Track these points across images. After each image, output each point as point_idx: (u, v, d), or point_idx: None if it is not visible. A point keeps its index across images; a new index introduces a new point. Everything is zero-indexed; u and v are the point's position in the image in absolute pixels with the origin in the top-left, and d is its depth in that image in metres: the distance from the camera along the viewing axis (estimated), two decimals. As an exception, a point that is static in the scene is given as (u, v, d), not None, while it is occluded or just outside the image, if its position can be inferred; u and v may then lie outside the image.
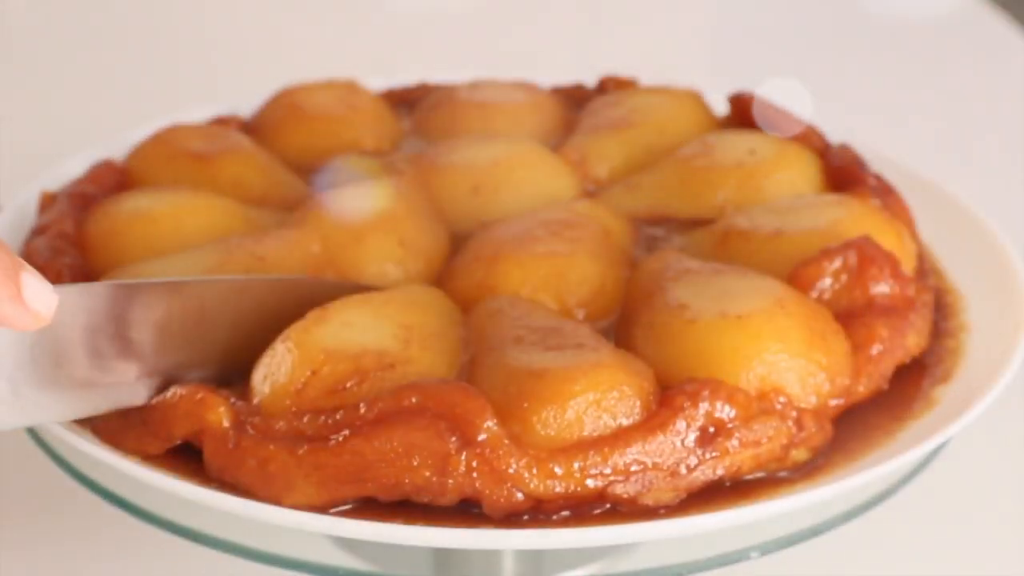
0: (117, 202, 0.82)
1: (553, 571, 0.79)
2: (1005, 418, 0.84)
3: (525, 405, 0.66)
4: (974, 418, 0.72)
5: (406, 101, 1.00)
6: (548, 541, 0.66)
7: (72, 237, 0.79)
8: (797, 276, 0.76)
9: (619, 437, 0.66)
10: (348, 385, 0.68)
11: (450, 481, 0.65)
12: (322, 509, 0.66)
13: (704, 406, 0.67)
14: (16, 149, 0.89)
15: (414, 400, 0.65)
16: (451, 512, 0.66)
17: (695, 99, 0.95)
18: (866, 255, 0.76)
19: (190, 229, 0.80)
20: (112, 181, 0.86)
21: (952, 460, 0.79)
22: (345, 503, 0.66)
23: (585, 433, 0.66)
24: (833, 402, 0.71)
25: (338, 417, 0.66)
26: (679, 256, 0.78)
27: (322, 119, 0.93)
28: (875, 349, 0.73)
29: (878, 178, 0.86)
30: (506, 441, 0.65)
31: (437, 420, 0.65)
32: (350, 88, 0.96)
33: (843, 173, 0.86)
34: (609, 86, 0.99)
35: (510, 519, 0.66)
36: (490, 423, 0.65)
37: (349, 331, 0.70)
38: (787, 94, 0.94)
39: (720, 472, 0.67)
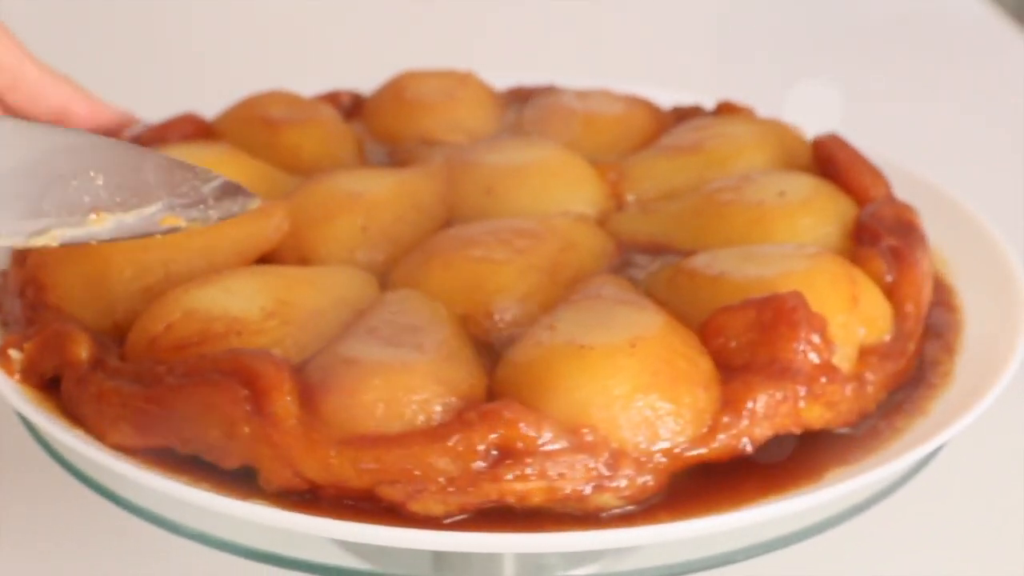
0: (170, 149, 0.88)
1: (553, 570, 0.79)
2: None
3: (324, 391, 0.68)
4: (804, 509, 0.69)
5: (525, 99, 1.01)
6: (547, 544, 0.67)
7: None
8: (707, 323, 0.73)
9: (396, 440, 0.66)
10: (191, 344, 0.71)
11: (234, 445, 0.68)
12: (137, 452, 0.70)
13: (496, 427, 0.66)
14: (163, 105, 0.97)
15: (226, 364, 0.68)
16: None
17: (779, 134, 0.91)
18: (783, 313, 0.71)
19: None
20: (180, 133, 0.92)
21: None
22: (155, 449, 0.70)
23: (369, 429, 0.67)
24: (670, 453, 0.68)
25: (161, 368, 0.70)
26: (608, 283, 0.77)
27: (413, 105, 0.96)
28: (745, 410, 0.69)
29: (901, 246, 0.80)
30: (293, 420, 0.67)
31: (240, 387, 0.68)
32: (462, 80, 0.99)
33: (866, 230, 0.81)
34: (723, 111, 0.97)
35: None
36: (286, 399, 0.67)
37: (223, 296, 0.74)
38: (816, 97, 0.90)
39: (504, 497, 0.66)
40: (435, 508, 0.66)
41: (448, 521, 0.67)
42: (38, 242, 0.66)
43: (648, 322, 0.71)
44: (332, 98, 1.00)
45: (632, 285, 0.78)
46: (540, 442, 0.66)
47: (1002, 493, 0.91)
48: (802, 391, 0.71)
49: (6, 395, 0.72)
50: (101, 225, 0.67)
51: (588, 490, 0.67)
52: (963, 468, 0.88)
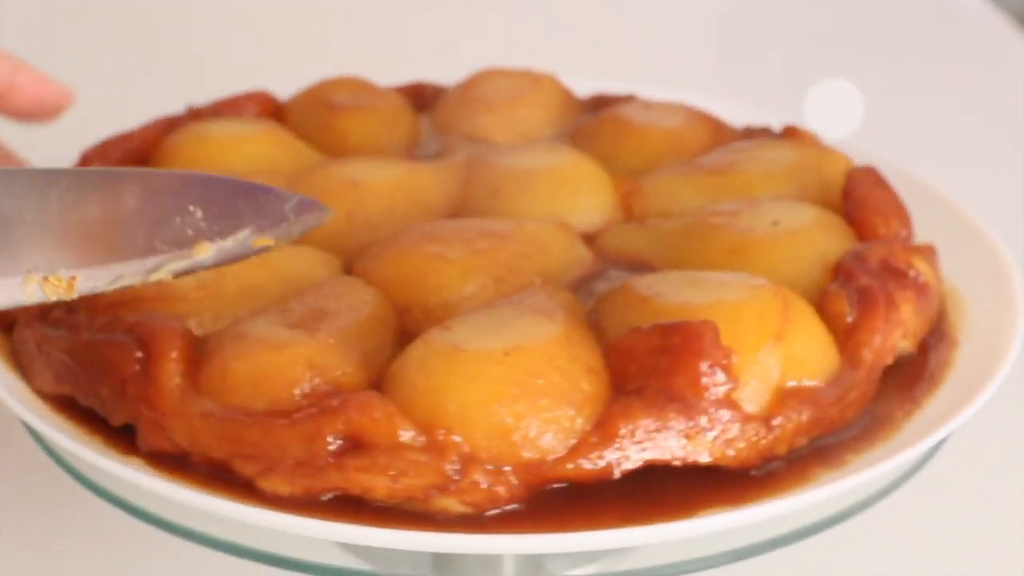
0: (202, 124, 0.92)
1: (553, 570, 0.79)
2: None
3: (205, 362, 0.70)
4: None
5: (604, 107, 1.00)
6: (547, 545, 0.67)
7: (150, 141, 0.91)
8: (615, 343, 0.71)
9: (253, 416, 0.68)
10: (123, 304, 0.75)
11: (121, 403, 0.71)
12: (53, 398, 0.74)
13: (349, 417, 0.67)
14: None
15: (131, 326, 0.72)
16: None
17: (818, 163, 0.87)
18: (687, 341, 0.69)
19: (236, 158, 0.89)
20: (241, 108, 0.96)
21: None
22: (65, 397, 0.74)
23: (235, 403, 0.69)
24: (526, 466, 0.67)
25: (80, 321, 0.74)
26: (538, 291, 0.76)
27: (475, 101, 0.97)
28: (617, 435, 0.68)
29: (874, 289, 0.76)
30: (172, 386, 0.70)
31: (136, 348, 0.71)
32: (536, 81, 0.99)
33: (842, 269, 0.77)
34: (786, 134, 0.94)
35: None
36: (171, 365, 0.70)
37: (170, 265, 0.77)
38: (837, 98, 0.89)
39: (348, 487, 0.67)
40: (282, 488, 0.68)
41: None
42: (154, 277, 0.71)
43: (539, 333, 0.70)
44: (415, 89, 1.02)
45: (573, 297, 0.77)
46: (390, 437, 0.67)
47: (999, 495, 0.90)
48: (684, 423, 0.68)
49: None
50: (205, 254, 0.73)
51: (433, 491, 0.67)
52: (961, 469, 0.87)
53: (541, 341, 0.69)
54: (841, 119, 0.91)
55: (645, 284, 0.75)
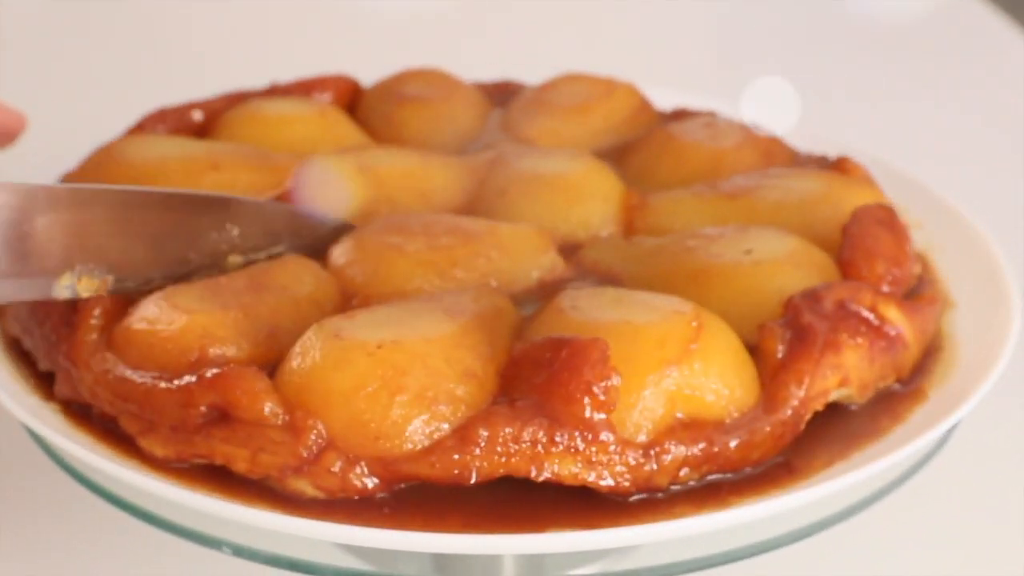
0: (260, 101, 0.95)
1: (554, 570, 0.80)
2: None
3: (119, 323, 0.74)
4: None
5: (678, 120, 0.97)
6: (547, 545, 0.68)
7: (215, 112, 0.95)
8: (514, 353, 0.70)
9: (140, 378, 0.70)
10: None
11: (47, 350, 0.75)
12: (10, 340, 0.79)
13: (219, 389, 0.68)
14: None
15: None
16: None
17: (837, 198, 0.83)
18: (571, 357, 0.68)
19: (280, 136, 0.92)
20: (314, 91, 0.98)
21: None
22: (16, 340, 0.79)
23: (131, 363, 0.72)
24: (381, 460, 0.67)
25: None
26: (467, 293, 0.75)
27: (541, 104, 0.97)
28: (472, 440, 0.67)
29: (814, 329, 0.72)
30: (87, 341, 0.74)
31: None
32: (609, 89, 0.97)
33: (790, 305, 0.73)
34: (837, 165, 0.89)
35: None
36: (91, 321, 0.74)
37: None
38: (777, 94, 0.87)
39: (213, 456, 0.69)
40: (158, 450, 0.70)
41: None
42: (181, 283, 0.76)
43: (422, 331, 0.70)
44: (501, 87, 1.02)
45: (506, 303, 0.76)
46: (254, 413, 0.68)
47: (999, 496, 0.90)
48: (545, 439, 0.67)
49: None
50: (234, 266, 0.79)
51: (288, 471, 0.68)
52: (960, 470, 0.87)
53: (418, 338, 0.69)
54: (780, 112, 0.88)
55: (570, 297, 0.74)
